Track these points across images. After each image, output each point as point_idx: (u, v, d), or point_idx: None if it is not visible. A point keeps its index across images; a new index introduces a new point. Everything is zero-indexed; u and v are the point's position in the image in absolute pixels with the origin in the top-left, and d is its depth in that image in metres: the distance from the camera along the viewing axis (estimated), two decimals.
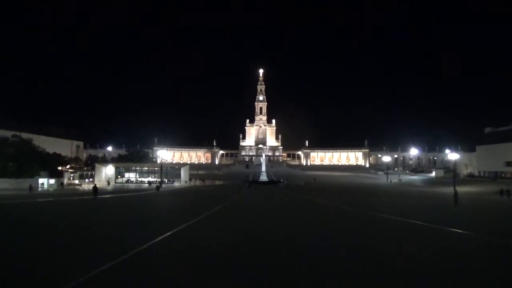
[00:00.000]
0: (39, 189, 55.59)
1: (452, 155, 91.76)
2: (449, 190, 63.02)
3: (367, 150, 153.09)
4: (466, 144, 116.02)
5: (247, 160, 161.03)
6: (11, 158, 58.15)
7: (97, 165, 78.04)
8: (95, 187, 36.85)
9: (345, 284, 7.45)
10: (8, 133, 65.59)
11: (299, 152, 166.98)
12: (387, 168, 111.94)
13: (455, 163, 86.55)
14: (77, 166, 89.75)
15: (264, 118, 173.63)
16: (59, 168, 73.79)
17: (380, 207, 27.97)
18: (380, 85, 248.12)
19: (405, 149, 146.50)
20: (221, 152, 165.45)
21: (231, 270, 8.57)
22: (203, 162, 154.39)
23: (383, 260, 9.61)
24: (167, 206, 31.03)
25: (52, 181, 60.91)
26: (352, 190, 59.95)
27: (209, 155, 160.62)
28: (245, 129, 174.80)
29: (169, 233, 13.38)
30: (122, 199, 36.80)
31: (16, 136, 65.27)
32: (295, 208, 28.69)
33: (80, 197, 40.11)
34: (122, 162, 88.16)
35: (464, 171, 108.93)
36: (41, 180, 58.75)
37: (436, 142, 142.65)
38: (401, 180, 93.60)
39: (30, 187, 49.95)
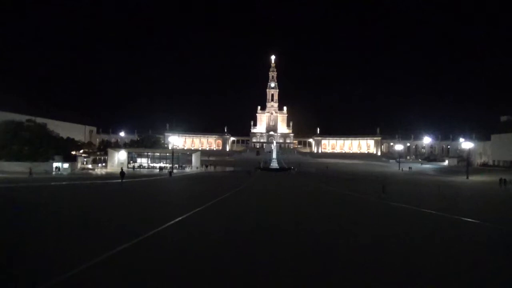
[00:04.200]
0: (53, 173, 56.80)
1: (466, 144, 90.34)
2: (461, 179, 62.51)
3: (379, 138, 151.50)
4: (480, 132, 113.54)
5: (258, 147, 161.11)
6: (26, 142, 59.34)
7: (109, 150, 79.07)
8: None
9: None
10: (23, 118, 66.59)
11: (310, 140, 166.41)
12: (399, 156, 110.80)
13: (469, 152, 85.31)
14: (90, 150, 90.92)
15: (276, 105, 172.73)
16: (73, 152, 75.00)
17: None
18: (393, 72, 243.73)
19: (418, 137, 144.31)
20: (232, 138, 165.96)
21: (234, 252, 8.73)
22: (214, 149, 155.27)
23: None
24: (182, 191, 32.22)
25: (66, 165, 62.12)
26: (360, 178, 59.74)
27: (220, 141, 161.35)
28: (256, 116, 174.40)
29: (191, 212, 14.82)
30: (143, 184, 38.55)
31: (31, 121, 66.30)
32: (307, 196, 28.70)
33: (108, 180, 41.53)
34: (134, 147, 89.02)
35: (478, 160, 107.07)
36: (55, 164, 59.96)
37: (450, 131, 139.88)
38: (410, 168, 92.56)
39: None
